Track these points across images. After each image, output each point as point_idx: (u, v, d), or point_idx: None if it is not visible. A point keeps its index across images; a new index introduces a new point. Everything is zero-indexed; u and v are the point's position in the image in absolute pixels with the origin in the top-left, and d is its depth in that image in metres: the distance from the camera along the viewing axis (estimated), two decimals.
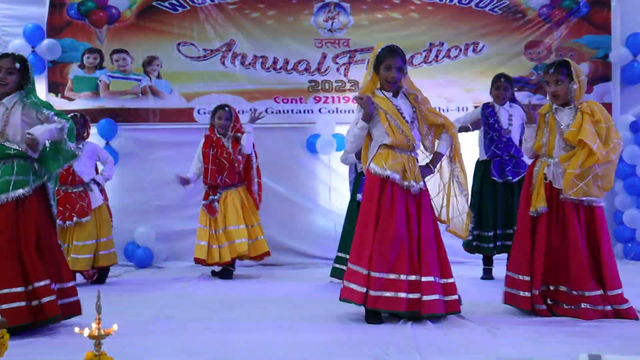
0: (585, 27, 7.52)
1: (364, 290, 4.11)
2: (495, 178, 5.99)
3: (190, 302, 5.17)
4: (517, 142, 5.98)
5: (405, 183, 4.19)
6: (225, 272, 6.41)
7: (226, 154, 6.33)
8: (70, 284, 4.21)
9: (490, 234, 5.97)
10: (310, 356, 3.48)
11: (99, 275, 6.17)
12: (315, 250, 7.44)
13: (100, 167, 6.41)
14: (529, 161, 4.76)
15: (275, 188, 7.48)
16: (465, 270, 6.07)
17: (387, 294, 4.08)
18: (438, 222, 4.39)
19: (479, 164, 6.16)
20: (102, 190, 6.30)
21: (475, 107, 6.61)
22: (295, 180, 7.59)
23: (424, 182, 4.34)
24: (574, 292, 4.23)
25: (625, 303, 4.23)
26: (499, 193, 6.00)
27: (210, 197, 6.37)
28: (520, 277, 4.35)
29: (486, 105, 6.16)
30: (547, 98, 4.48)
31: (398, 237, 4.11)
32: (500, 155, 5.99)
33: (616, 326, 4.05)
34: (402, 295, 4.07)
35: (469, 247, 6.07)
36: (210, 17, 7.52)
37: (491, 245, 5.97)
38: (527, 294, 4.31)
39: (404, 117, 4.26)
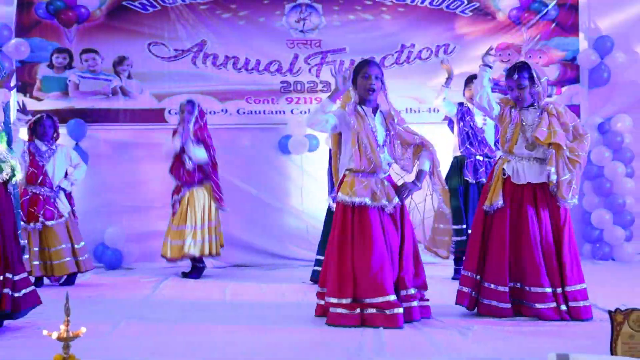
0: (554, 30, 7.60)
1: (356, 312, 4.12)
2: (468, 178, 6.04)
3: (160, 303, 5.14)
4: (490, 143, 6.06)
5: (377, 204, 4.19)
6: (195, 270, 6.41)
7: (183, 151, 6.34)
8: (22, 276, 4.18)
9: (464, 226, 6.01)
10: (283, 357, 3.48)
11: (67, 277, 6.09)
12: (287, 251, 7.42)
13: (70, 170, 6.30)
14: None
15: (247, 189, 7.45)
16: (437, 270, 6.10)
17: (374, 310, 4.09)
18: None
19: (456, 160, 6.21)
20: (69, 195, 6.20)
21: None
22: (267, 181, 7.57)
23: (401, 198, 4.31)
24: (527, 289, 4.28)
25: (584, 300, 4.26)
26: (469, 192, 6.06)
27: (174, 198, 6.41)
28: (466, 273, 4.43)
29: (461, 104, 6.22)
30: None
31: (378, 263, 4.10)
32: (474, 154, 6.05)
33: (584, 325, 4.10)
34: (398, 311, 4.06)
35: None
36: (181, 17, 7.48)
37: (464, 238, 5.99)
38: (466, 289, 4.38)
39: (376, 139, 4.25)
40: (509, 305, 4.30)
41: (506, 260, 4.31)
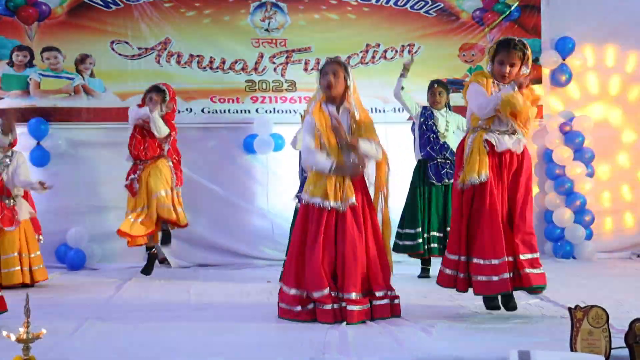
0: (516, 31, 7.68)
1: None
2: (432, 180, 6.10)
3: (123, 304, 5.09)
4: (452, 147, 6.04)
5: (328, 204, 4.21)
6: (165, 236, 6.41)
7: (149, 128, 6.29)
8: None
9: (418, 230, 6.05)
10: (247, 357, 3.47)
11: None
12: (252, 251, 7.40)
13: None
14: None
15: (212, 188, 7.42)
16: (402, 268, 6.13)
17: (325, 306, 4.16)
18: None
19: (418, 164, 6.26)
20: (26, 196, 6.09)
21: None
22: (232, 181, 7.54)
23: (362, 195, 4.33)
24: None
25: (538, 268, 4.27)
26: (433, 194, 6.12)
27: (130, 177, 6.31)
28: (451, 256, 4.35)
29: (425, 108, 6.26)
30: (490, 71, 4.38)
31: (319, 260, 4.18)
32: (435, 158, 6.10)
33: (546, 323, 4.16)
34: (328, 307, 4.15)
35: (396, 248, 6.11)
36: (144, 15, 7.42)
37: (419, 241, 6.04)
38: (449, 271, 4.33)
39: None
40: (507, 276, 4.19)
41: (500, 232, 4.19)
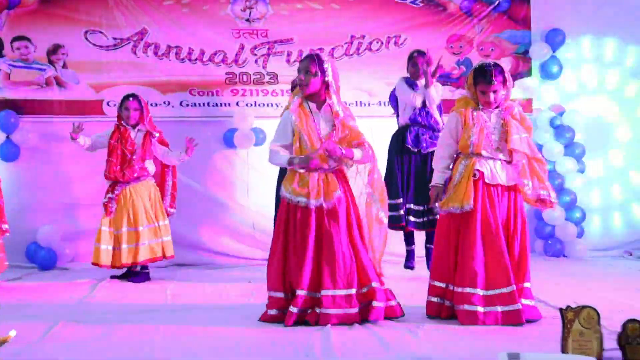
0: (506, 22, 7.72)
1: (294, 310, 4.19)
2: (409, 146, 6.05)
3: (98, 306, 5.04)
4: (436, 115, 6.04)
5: (312, 202, 4.22)
6: (133, 274, 6.26)
7: (130, 146, 6.18)
8: None
9: (399, 201, 6.00)
10: (229, 359, 3.46)
11: None
12: (232, 250, 7.38)
13: None
14: None
15: (190, 184, 7.38)
16: (386, 269, 6.13)
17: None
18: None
19: (397, 133, 6.21)
20: None
21: None
22: (212, 176, 7.51)
23: (344, 189, 4.34)
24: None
25: (530, 299, 4.32)
26: (412, 163, 6.06)
27: (108, 196, 6.18)
28: (435, 283, 4.40)
29: (407, 79, 6.19)
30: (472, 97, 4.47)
31: (294, 259, 4.23)
32: (419, 123, 6.04)
33: (536, 324, 4.18)
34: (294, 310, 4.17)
35: None
36: (120, 3, 7.35)
37: (401, 213, 5.98)
38: (435, 299, 4.38)
39: (319, 135, 4.29)
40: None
41: (480, 263, 4.24)
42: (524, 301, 4.25)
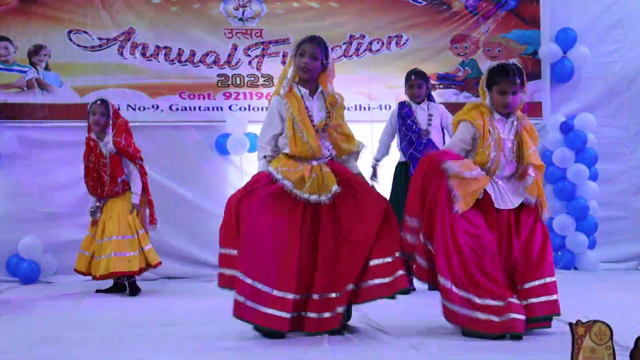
0: (514, 22, 7.77)
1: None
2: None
3: (83, 322, 5.06)
4: (438, 144, 6.06)
5: (299, 193, 4.19)
6: (121, 286, 6.29)
7: (103, 166, 6.18)
8: None
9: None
10: None
11: None
12: None
13: None
14: None
15: (181, 193, 7.40)
16: None
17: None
18: None
19: (399, 166, 6.27)
20: None
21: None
22: (204, 184, 7.54)
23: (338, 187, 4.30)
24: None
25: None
26: None
27: (96, 204, 6.28)
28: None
29: (402, 105, 6.24)
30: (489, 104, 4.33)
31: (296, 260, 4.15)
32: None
33: (544, 339, 4.19)
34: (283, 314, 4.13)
35: None
36: (106, 2, 7.39)
37: None
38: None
39: (312, 122, 4.29)
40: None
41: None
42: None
